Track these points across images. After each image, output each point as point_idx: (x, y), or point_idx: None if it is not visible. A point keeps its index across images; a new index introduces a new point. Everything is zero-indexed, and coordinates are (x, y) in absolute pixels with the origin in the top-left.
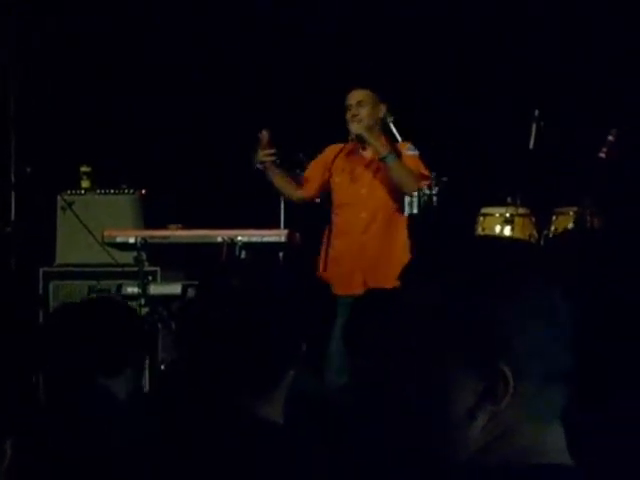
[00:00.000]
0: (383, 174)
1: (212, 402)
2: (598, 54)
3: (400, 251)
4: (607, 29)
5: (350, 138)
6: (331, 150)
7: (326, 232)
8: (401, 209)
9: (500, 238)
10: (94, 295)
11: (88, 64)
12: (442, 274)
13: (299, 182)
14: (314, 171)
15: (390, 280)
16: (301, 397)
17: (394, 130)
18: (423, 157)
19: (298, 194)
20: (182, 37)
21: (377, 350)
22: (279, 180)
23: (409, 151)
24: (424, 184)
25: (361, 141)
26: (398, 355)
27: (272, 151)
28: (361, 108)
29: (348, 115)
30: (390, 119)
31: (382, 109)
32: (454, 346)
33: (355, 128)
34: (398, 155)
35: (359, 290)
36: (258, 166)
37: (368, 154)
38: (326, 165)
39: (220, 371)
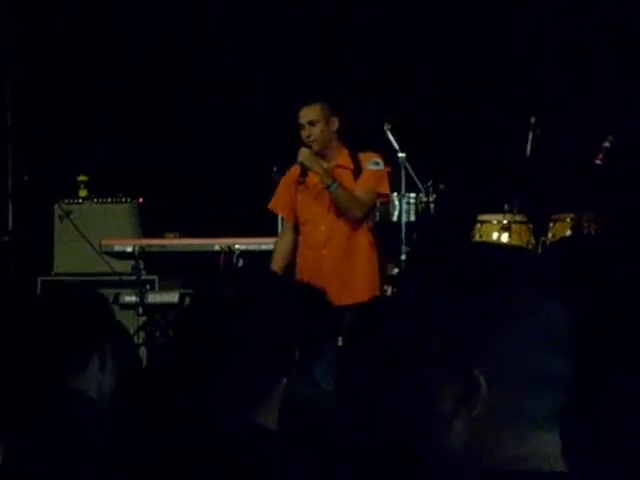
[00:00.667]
0: None
1: (204, 409)
2: (594, 62)
3: (362, 267)
4: (603, 38)
5: (298, 162)
6: (292, 172)
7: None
8: (363, 224)
9: (490, 244)
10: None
11: (85, 73)
12: (423, 276)
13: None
14: (284, 198)
15: (352, 294)
16: (295, 404)
17: (391, 138)
18: (418, 168)
19: (291, 244)
20: (178, 42)
21: (362, 354)
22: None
23: (371, 166)
24: (379, 201)
25: (305, 167)
26: (381, 358)
27: None
28: (313, 127)
29: (302, 135)
30: (387, 127)
31: (335, 122)
32: (429, 348)
33: (299, 157)
34: (359, 169)
35: None
36: None
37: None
38: (290, 188)
39: (213, 379)
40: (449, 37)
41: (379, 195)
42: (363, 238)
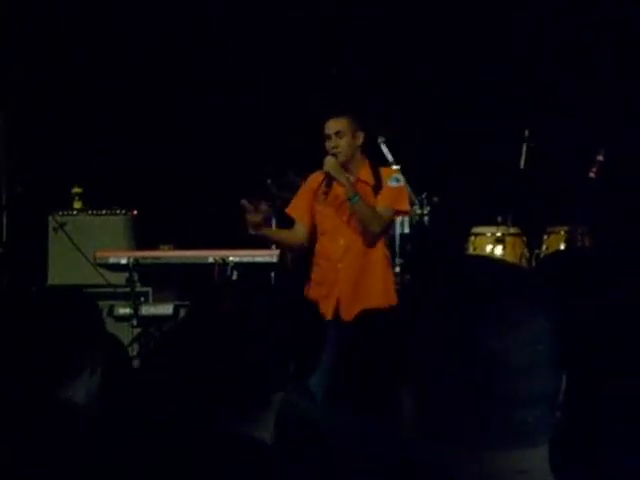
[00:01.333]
0: None
1: (200, 423)
2: (588, 75)
3: (377, 282)
4: (596, 51)
5: (324, 170)
6: (313, 179)
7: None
8: (380, 239)
9: (483, 257)
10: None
11: (80, 85)
12: (415, 289)
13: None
14: (303, 203)
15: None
16: (290, 417)
17: (386, 151)
18: (412, 180)
19: (297, 240)
20: (178, 42)
21: (357, 366)
22: (273, 237)
23: (392, 182)
24: (398, 216)
25: (331, 177)
26: (375, 370)
27: (258, 217)
28: (340, 139)
29: (328, 145)
30: (382, 140)
31: (360, 136)
32: (420, 360)
33: (326, 166)
34: (379, 185)
35: (330, 316)
36: (251, 232)
37: None
38: (310, 194)
39: (208, 392)
40: (449, 37)
41: (397, 212)
42: (379, 253)
